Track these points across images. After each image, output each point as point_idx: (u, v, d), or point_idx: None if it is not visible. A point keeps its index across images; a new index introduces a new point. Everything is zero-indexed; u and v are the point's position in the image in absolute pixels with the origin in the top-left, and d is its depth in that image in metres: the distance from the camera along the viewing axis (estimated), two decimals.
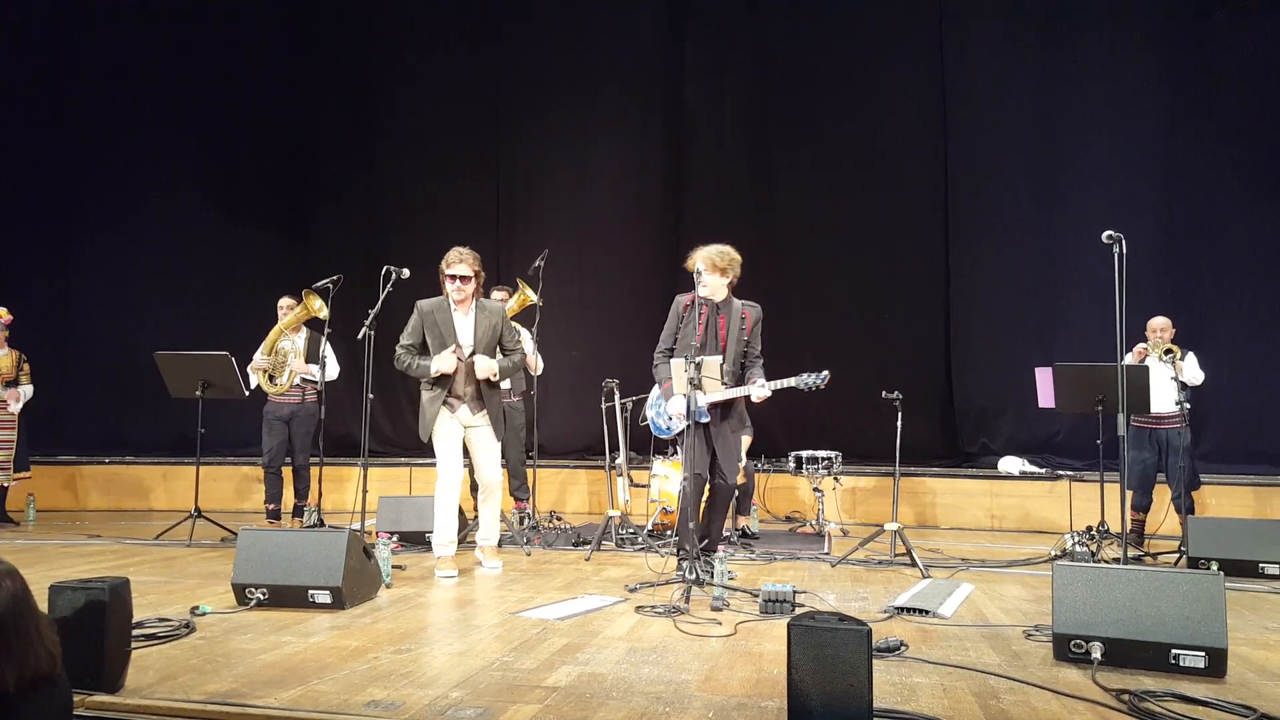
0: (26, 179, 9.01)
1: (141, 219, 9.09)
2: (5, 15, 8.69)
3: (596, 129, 8.96)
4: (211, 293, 8.92)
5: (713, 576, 4.15)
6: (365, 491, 4.82)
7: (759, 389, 4.48)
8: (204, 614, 3.73)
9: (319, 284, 6.08)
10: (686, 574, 4.21)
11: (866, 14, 8.44)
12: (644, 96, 8.92)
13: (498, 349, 5.02)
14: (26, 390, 7.19)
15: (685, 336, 4.61)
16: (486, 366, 4.84)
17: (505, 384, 6.38)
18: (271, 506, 6.72)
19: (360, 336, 5.00)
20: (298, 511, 6.85)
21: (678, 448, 5.01)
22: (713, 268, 4.53)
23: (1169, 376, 5.72)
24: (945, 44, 8.32)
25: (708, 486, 4.65)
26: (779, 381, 4.54)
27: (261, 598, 3.84)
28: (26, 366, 7.21)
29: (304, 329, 6.65)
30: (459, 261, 4.81)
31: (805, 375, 4.55)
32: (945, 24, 8.32)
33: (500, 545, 5.76)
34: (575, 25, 8.99)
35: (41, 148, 9.08)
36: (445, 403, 4.84)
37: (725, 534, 6.09)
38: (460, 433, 4.90)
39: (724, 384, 4.52)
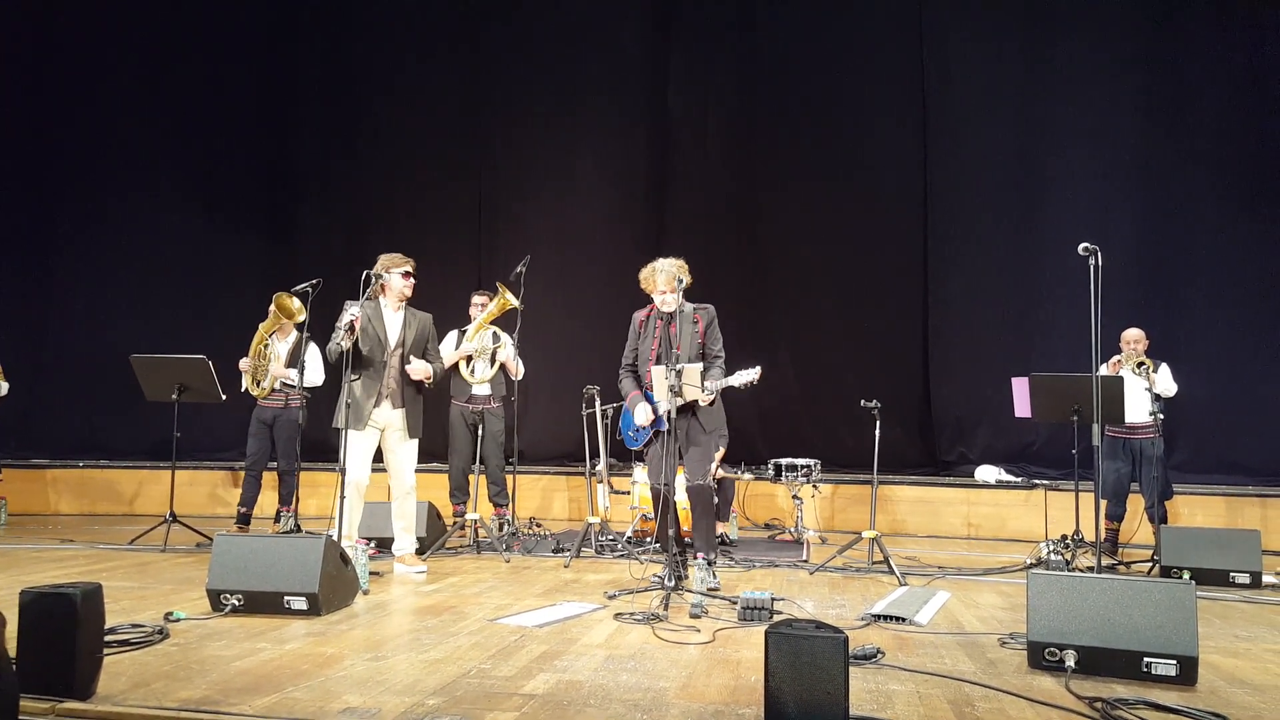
0: (1, 178, 8.90)
1: (120, 219, 9.01)
2: None
3: (580, 135, 8.95)
4: (191, 294, 8.84)
5: (696, 580, 4.18)
6: (343, 498, 4.78)
7: (704, 394, 4.53)
8: (178, 620, 3.69)
9: (298, 287, 6.01)
10: (665, 581, 4.22)
11: (850, 26, 8.51)
12: (629, 104, 8.93)
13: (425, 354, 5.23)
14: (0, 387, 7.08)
15: (644, 350, 4.74)
16: (421, 369, 5.06)
17: (485, 389, 6.39)
18: (244, 510, 6.64)
19: (337, 342, 4.97)
20: (278, 517, 6.79)
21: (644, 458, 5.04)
22: (673, 283, 4.61)
23: (1143, 387, 5.79)
24: (926, 55, 8.40)
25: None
26: (720, 382, 4.58)
27: (237, 604, 3.81)
28: None
29: (294, 332, 6.60)
30: (406, 262, 5.13)
31: (740, 372, 4.59)
32: (927, 35, 8.40)
33: (480, 551, 5.77)
34: (560, 31, 9.00)
35: (18, 146, 8.97)
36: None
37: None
38: (374, 436, 5.06)
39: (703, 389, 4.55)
